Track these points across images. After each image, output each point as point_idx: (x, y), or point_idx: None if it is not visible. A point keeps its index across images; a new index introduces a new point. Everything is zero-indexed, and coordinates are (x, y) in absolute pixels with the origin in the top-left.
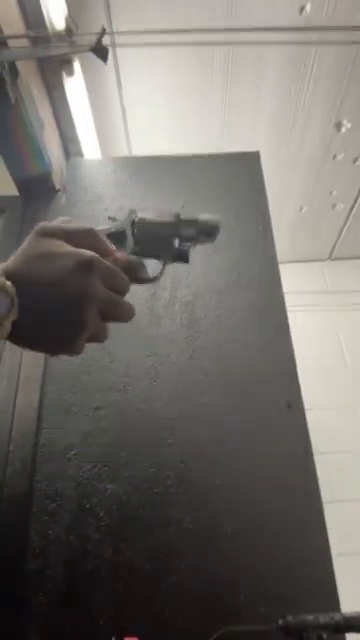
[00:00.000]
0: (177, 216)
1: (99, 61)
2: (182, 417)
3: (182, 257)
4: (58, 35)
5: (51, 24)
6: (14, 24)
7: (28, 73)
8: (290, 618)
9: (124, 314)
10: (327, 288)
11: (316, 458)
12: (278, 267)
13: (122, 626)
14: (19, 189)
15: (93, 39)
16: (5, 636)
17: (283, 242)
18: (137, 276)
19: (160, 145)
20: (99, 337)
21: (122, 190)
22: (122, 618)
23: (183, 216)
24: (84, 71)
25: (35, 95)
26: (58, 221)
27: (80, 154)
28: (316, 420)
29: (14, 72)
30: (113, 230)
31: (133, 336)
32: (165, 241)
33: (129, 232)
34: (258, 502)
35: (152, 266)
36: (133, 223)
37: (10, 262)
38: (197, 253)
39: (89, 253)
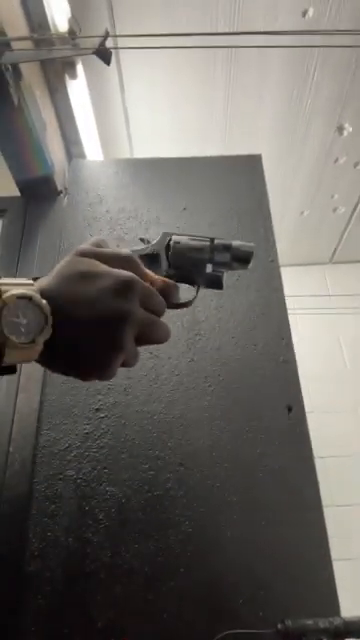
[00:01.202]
0: (212, 241)
1: (102, 63)
2: (182, 419)
3: (215, 283)
4: (61, 37)
5: (54, 26)
6: (17, 26)
7: (31, 75)
8: (289, 622)
9: (161, 335)
10: (328, 291)
11: (316, 462)
12: (279, 270)
13: (121, 629)
14: (21, 190)
15: (96, 42)
16: (4, 638)
17: (284, 245)
18: (171, 299)
19: (162, 147)
20: (130, 361)
21: (124, 192)
22: (121, 621)
23: (217, 241)
24: (87, 73)
25: (38, 97)
26: (93, 241)
27: (82, 156)
28: (317, 424)
29: (17, 74)
30: (147, 252)
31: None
32: (199, 266)
33: (163, 255)
34: (258, 505)
35: (184, 290)
36: (168, 246)
37: (45, 280)
38: None
39: (128, 273)
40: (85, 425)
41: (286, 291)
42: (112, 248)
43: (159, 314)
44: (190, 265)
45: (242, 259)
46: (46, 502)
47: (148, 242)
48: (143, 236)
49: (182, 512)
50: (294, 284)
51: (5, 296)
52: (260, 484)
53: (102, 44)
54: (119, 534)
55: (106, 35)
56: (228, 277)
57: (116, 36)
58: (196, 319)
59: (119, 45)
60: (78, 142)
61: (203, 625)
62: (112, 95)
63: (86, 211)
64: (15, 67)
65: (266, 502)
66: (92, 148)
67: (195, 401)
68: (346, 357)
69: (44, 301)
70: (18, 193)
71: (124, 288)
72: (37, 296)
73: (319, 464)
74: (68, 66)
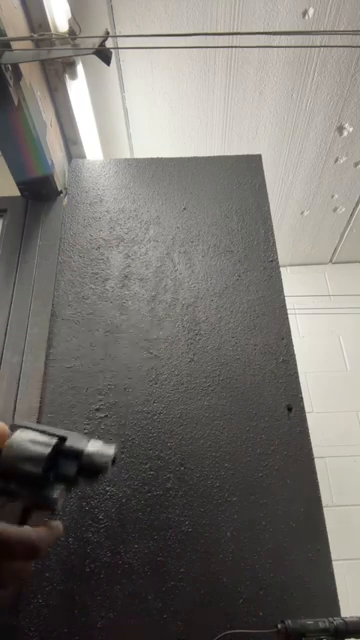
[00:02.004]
0: (58, 443)
1: (102, 64)
2: (182, 420)
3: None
4: (61, 38)
5: (54, 27)
6: (17, 26)
7: (31, 75)
8: (289, 622)
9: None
10: (328, 292)
11: (316, 462)
12: (279, 270)
13: (121, 629)
14: (21, 191)
15: (96, 42)
16: (4, 638)
17: (284, 245)
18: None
19: (162, 147)
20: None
21: (124, 192)
22: (121, 621)
23: (68, 444)
24: (87, 73)
25: (38, 97)
26: None
27: (82, 156)
28: (317, 424)
29: (17, 74)
30: None
31: (134, 338)
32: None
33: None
34: (258, 506)
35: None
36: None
37: None
38: (198, 255)
39: None
40: (85, 425)
41: (286, 291)
42: None
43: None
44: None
45: (92, 471)
46: None
47: None
48: None
49: (182, 512)
50: (294, 284)
51: None
52: (260, 484)
53: (102, 44)
54: (119, 534)
55: (106, 35)
56: (228, 278)
57: (116, 36)
58: (196, 319)
59: (119, 45)
60: (78, 142)
61: (203, 625)
62: (112, 95)
63: (86, 211)
64: (15, 67)
65: (266, 502)
66: (92, 148)
67: (195, 401)
68: (346, 357)
69: None
70: (18, 193)
71: None
72: None
73: (319, 464)
74: (68, 66)
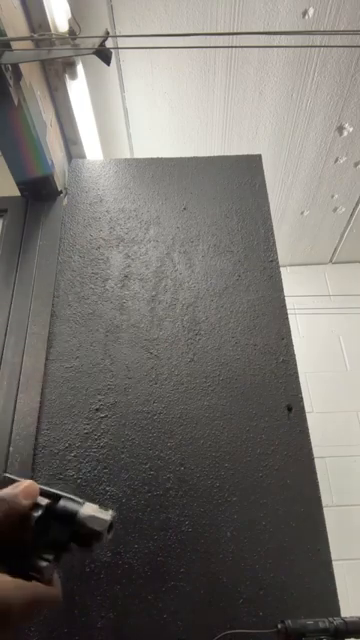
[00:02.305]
0: (54, 501)
1: (102, 64)
2: (182, 420)
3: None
4: (61, 38)
5: (54, 27)
6: (17, 26)
7: (31, 75)
8: (289, 622)
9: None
10: (328, 291)
11: (316, 462)
12: (279, 270)
13: (121, 629)
14: (21, 191)
15: (96, 42)
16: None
17: (284, 245)
18: None
19: (162, 147)
20: None
21: (124, 192)
22: (121, 621)
23: (62, 504)
24: (87, 73)
25: (38, 97)
26: None
27: (82, 156)
28: (317, 424)
29: (17, 74)
30: None
31: (134, 338)
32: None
33: None
34: (258, 506)
35: None
36: None
37: None
38: (198, 255)
39: None
40: (85, 425)
41: (286, 291)
42: None
43: None
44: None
45: (85, 537)
46: None
47: None
48: None
49: (182, 512)
50: (294, 284)
51: None
52: (260, 484)
53: (102, 44)
54: (119, 534)
55: (106, 35)
56: (228, 278)
57: (116, 36)
58: (196, 319)
59: (119, 45)
60: (78, 142)
61: (203, 625)
62: (112, 95)
63: (86, 211)
64: (15, 67)
65: (266, 502)
66: (92, 148)
67: (195, 401)
68: (346, 357)
69: None
70: (18, 193)
71: None
72: None
73: (319, 464)
74: (68, 66)
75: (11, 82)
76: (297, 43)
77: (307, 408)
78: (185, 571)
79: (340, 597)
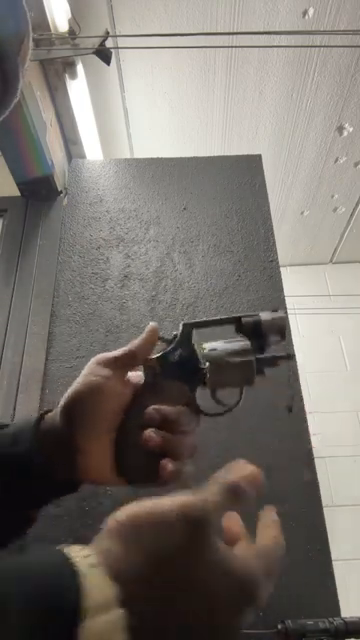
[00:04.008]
0: (248, 335)
1: (102, 63)
2: None
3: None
4: (61, 37)
5: (54, 26)
6: None
7: (31, 75)
8: (289, 623)
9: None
10: (328, 291)
11: (316, 462)
12: (279, 270)
13: None
14: (21, 191)
15: (96, 42)
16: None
17: (284, 245)
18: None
19: (162, 147)
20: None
21: (124, 192)
22: None
23: (245, 320)
24: (87, 73)
25: (38, 97)
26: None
27: (82, 156)
28: (317, 424)
29: None
30: (174, 358)
31: (134, 338)
32: (246, 370)
33: (205, 367)
34: (258, 506)
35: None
36: (194, 351)
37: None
38: (198, 255)
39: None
40: None
41: (286, 291)
42: None
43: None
44: (236, 373)
45: (279, 331)
46: None
47: (167, 340)
48: (162, 335)
49: None
50: (294, 284)
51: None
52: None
53: (102, 44)
54: None
55: (106, 35)
56: (228, 278)
57: (116, 36)
58: (196, 319)
59: (119, 45)
60: (78, 142)
61: None
62: (112, 95)
63: (86, 211)
64: None
65: (266, 502)
66: (92, 148)
67: None
68: (346, 357)
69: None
70: (18, 193)
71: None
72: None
73: (319, 464)
74: (68, 66)
75: None
76: (297, 43)
77: (307, 408)
78: None
79: (340, 597)
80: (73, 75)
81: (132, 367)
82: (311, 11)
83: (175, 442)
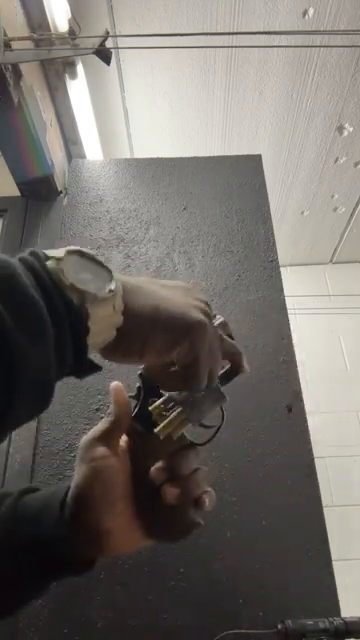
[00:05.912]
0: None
1: (102, 63)
2: None
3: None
4: (61, 37)
5: (54, 26)
6: (18, 26)
7: (31, 75)
8: (289, 623)
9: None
10: (328, 291)
11: (316, 462)
12: (279, 270)
13: (121, 629)
14: (21, 191)
15: (96, 42)
16: (4, 638)
17: (284, 245)
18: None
19: (162, 147)
20: (214, 367)
21: (124, 192)
22: (121, 621)
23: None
24: (87, 73)
25: (38, 97)
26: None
27: (82, 156)
28: (317, 424)
29: (17, 74)
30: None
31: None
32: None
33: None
34: (258, 506)
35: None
36: (176, 402)
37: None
38: (198, 255)
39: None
40: (85, 425)
41: (286, 291)
42: None
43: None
44: (207, 401)
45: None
46: None
47: (134, 396)
48: None
49: None
50: (294, 284)
51: (53, 254)
52: (260, 484)
53: (102, 44)
54: None
55: (106, 35)
56: (228, 278)
57: (116, 36)
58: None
59: (119, 45)
60: (78, 142)
61: (203, 625)
62: (112, 95)
63: (86, 211)
64: (15, 67)
65: (266, 502)
66: (92, 148)
67: None
68: (346, 357)
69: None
70: (18, 193)
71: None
72: (89, 252)
73: (319, 464)
74: (68, 66)
75: (11, 82)
76: (297, 43)
77: (307, 408)
78: (185, 571)
79: (340, 597)
80: (73, 75)
81: (121, 434)
82: (311, 11)
83: (192, 483)
